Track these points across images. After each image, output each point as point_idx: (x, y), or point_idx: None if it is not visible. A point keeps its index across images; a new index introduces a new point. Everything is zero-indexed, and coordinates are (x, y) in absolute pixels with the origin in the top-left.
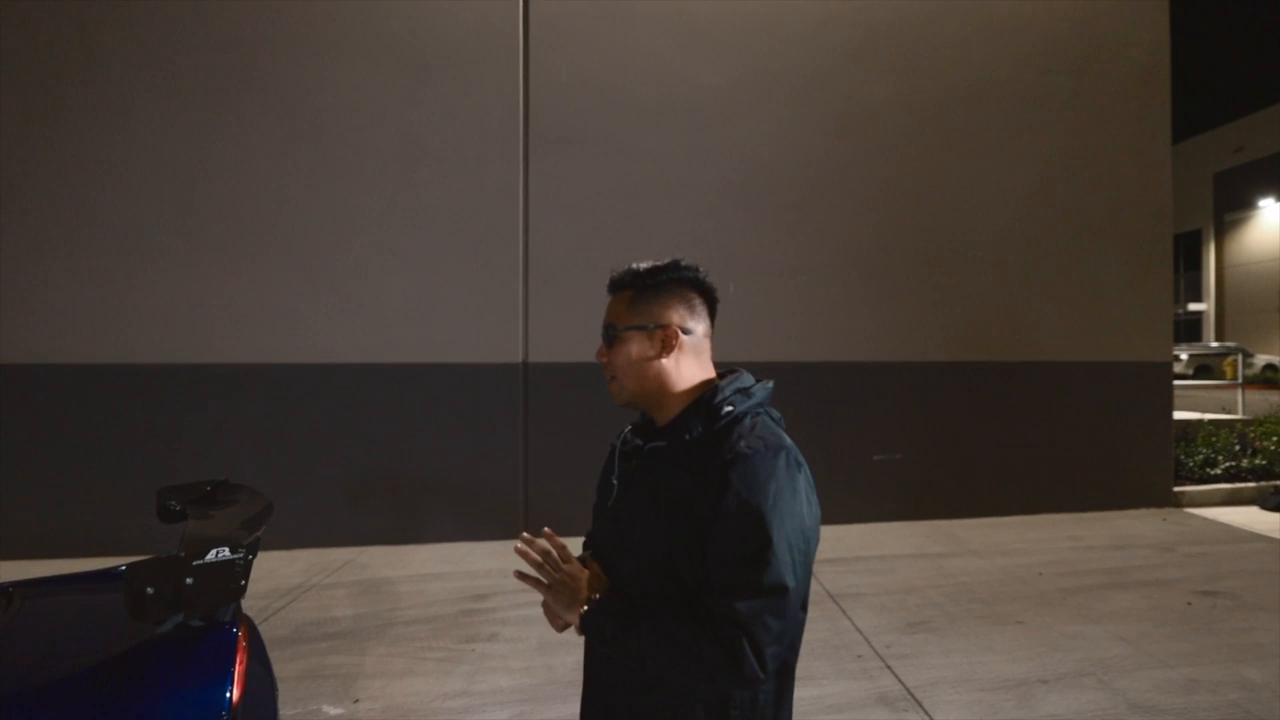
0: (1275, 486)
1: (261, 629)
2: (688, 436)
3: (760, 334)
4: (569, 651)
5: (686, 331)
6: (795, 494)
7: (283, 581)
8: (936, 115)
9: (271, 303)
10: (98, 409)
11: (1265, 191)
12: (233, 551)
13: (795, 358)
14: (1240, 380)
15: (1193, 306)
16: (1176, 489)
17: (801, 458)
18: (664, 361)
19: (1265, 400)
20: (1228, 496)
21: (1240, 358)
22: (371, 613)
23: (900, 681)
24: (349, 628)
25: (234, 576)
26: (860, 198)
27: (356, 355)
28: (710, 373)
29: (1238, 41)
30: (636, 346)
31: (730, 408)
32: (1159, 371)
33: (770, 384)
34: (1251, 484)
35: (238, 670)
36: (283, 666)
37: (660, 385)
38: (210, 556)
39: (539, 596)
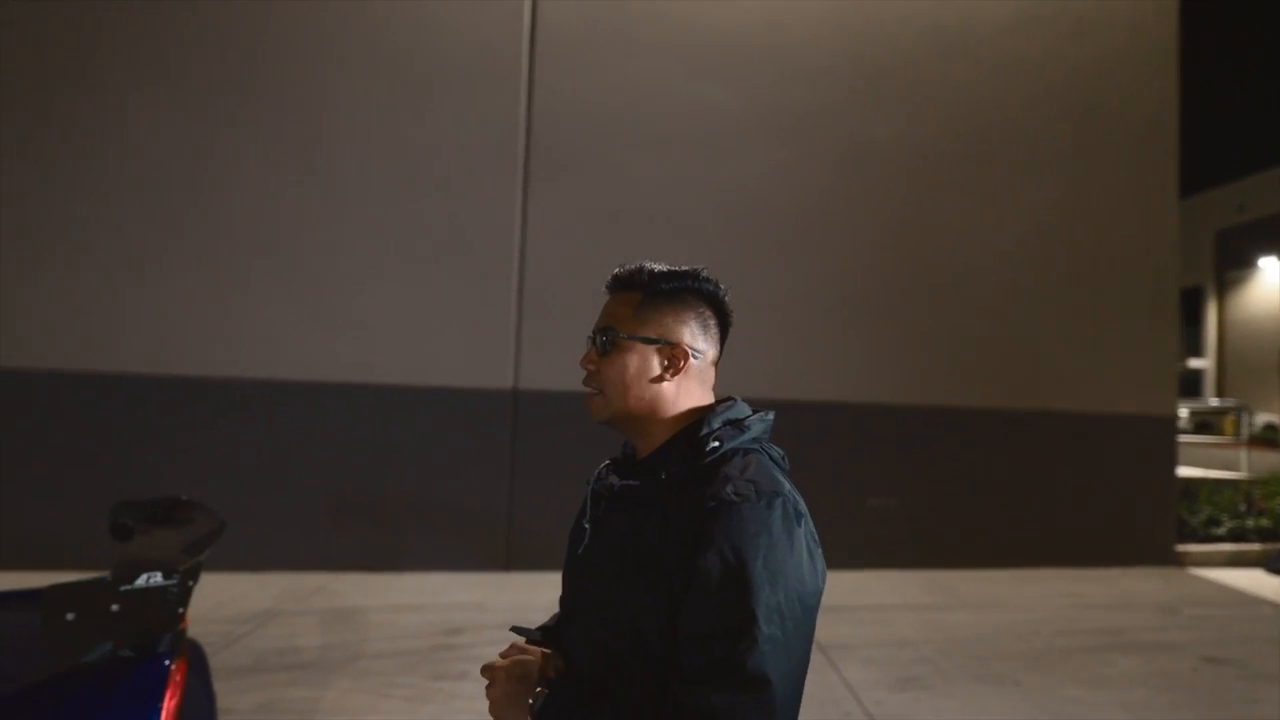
0: None
1: (222, 656)
2: (664, 475)
3: (753, 370)
4: None
5: (695, 354)
6: (792, 550)
7: (250, 606)
8: (940, 156)
9: (259, 317)
10: (72, 416)
11: (1266, 250)
12: (165, 577)
13: (789, 396)
14: (1244, 438)
15: (1193, 363)
16: (1179, 548)
17: (803, 506)
18: (664, 384)
19: (1266, 460)
20: (1231, 558)
21: (1244, 415)
22: (339, 643)
23: None
24: (314, 659)
25: (166, 604)
26: (860, 236)
27: (343, 374)
28: (709, 399)
29: (1241, 103)
30: (636, 360)
31: (717, 443)
32: (1163, 426)
33: (770, 415)
34: (1256, 546)
35: (166, 707)
36: (237, 698)
37: (652, 410)
38: (140, 581)
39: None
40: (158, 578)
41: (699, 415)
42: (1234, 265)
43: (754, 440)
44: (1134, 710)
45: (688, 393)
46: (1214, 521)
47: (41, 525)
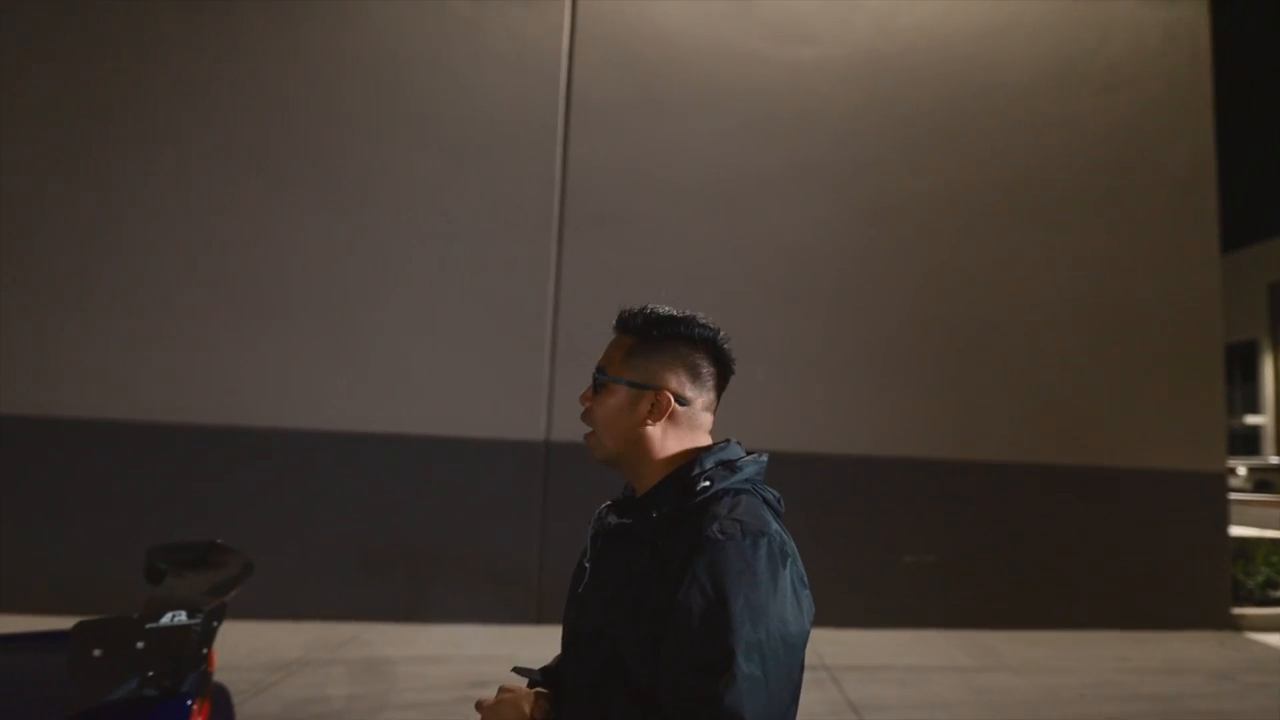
0: None
1: (251, 705)
2: (655, 513)
3: (788, 424)
4: None
5: (682, 401)
6: (776, 589)
7: (282, 654)
8: (975, 212)
9: (298, 369)
10: (114, 464)
11: None
12: (190, 616)
13: (824, 449)
14: None
15: (1250, 419)
16: (1235, 611)
17: (792, 547)
18: (649, 429)
19: None
20: None
21: None
22: (366, 694)
23: None
24: (340, 709)
25: (190, 643)
26: (895, 290)
27: (378, 425)
28: (704, 442)
29: None
30: (622, 403)
31: (707, 483)
32: (1212, 482)
33: (764, 458)
34: None
35: None
36: None
37: (639, 452)
38: (165, 620)
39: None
40: (182, 616)
41: (693, 455)
42: None
43: (746, 481)
44: None
45: (676, 437)
46: (1272, 584)
47: (72, 571)
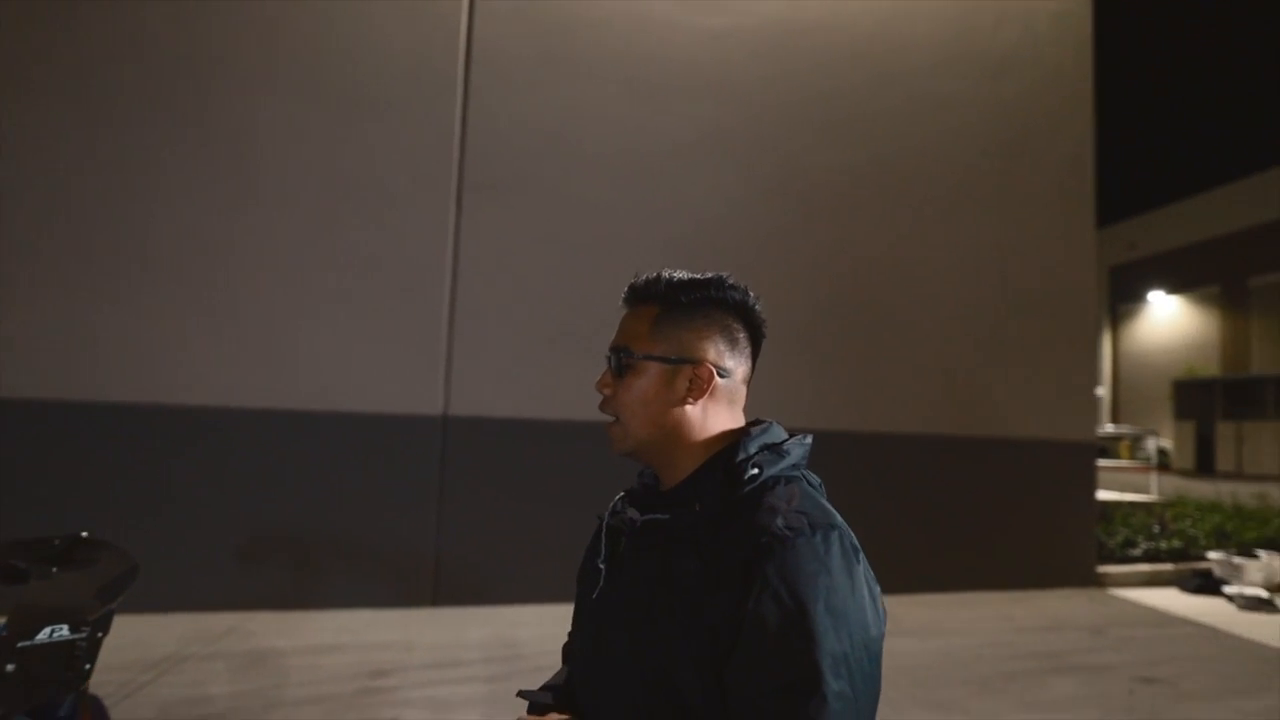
0: (1194, 570)
1: (121, 709)
2: (698, 507)
3: None
4: None
5: (723, 373)
6: (854, 591)
7: (153, 651)
8: (877, 186)
9: (168, 338)
10: None
11: (1153, 286)
12: (73, 630)
13: None
14: (1155, 463)
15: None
16: (1099, 569)
17: (856, 540)
18: (688, 408)
19: (1168, 483)
20: (1148, 578)
21: (1149, 441)
22: (255, 690)
23: None
24: (227, 708)
25: (73, 661)
26: (801, 264)
27: (258, 399)
28: (740, 423)
29: (1135, 147)
30: (655, 383)
31: (756, 470)
32: (1084, 451)
33: (808, 439)
34: (1170, 566)
35: None
36: None
37: (677, 437)
38: (42, 636)
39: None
40: (63, 631)
41: (732, 439)
42: (1126, 299)
43: (793, 466)
44: None
45: (716, 416)
46: (1130, 543)
47: None
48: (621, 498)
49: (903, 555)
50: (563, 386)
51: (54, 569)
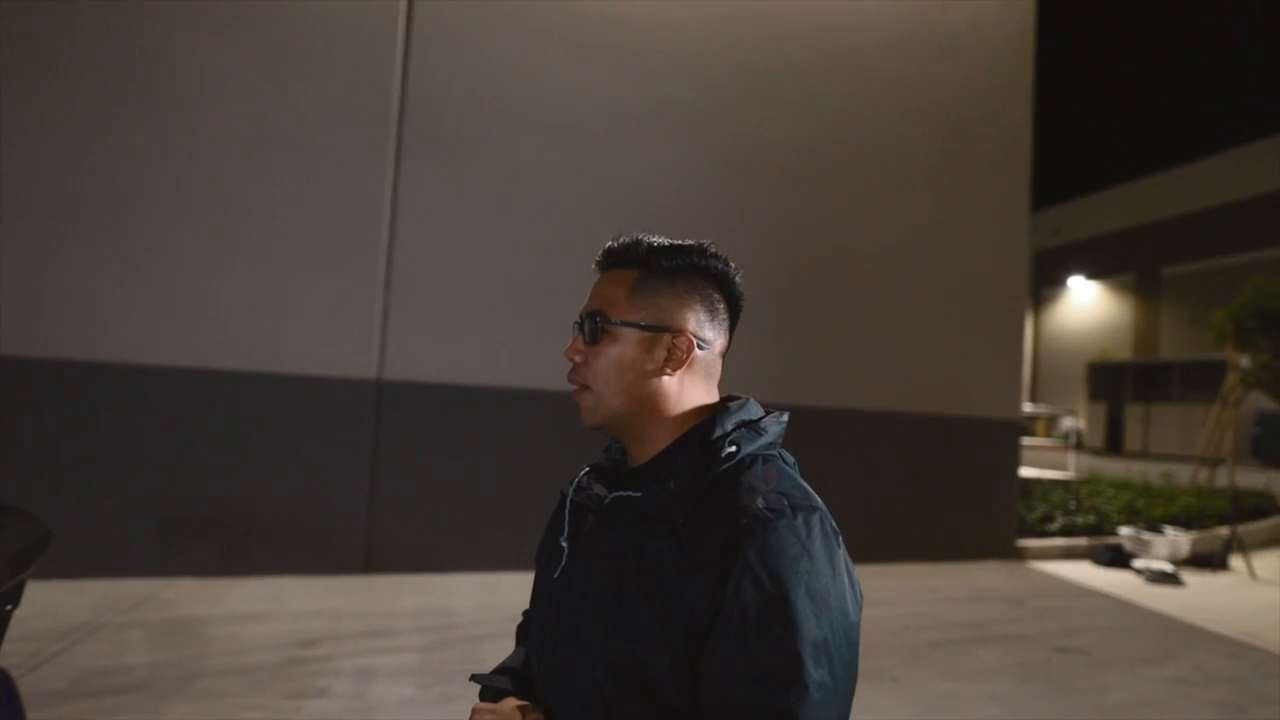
0: (1106, 544)
1: (31, 679)
2: (674, 484)
3: None
4: (416, 710)
5: (702, 344)
6: (835, 575)
7: (64, 619)
8: (825, 164)
9: (77, 291)
10: None
11: (1075, 271)
12: None
13: None
14: (1074, 441)
15: None
16: (1019, 543)
17: (835, 523)
18: (664, 380)
19: (1068, 460)
20: (1064, 551)
21: (1068, 421)
22: (174, 660)
23: None
24: (144, 679)
25: None
26: (743, 238)
27: (176, 357)
28: (715, 397)
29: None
30: (631, 351)
31: (733, 448)
32: (1010, 429)
33: (785, 416)
34: (1084, 540)
35: None
36: None
37: (651, 409)
38: None
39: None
40: None
41: (707, 415)
42: (1048, 283)
43: (770, 445)
44: (1005, 702)
45: (692, 389)
46: (1048, 518)
47: None
48: (587, 473)
49: (839, 525)
50: (502, 353)
51: None
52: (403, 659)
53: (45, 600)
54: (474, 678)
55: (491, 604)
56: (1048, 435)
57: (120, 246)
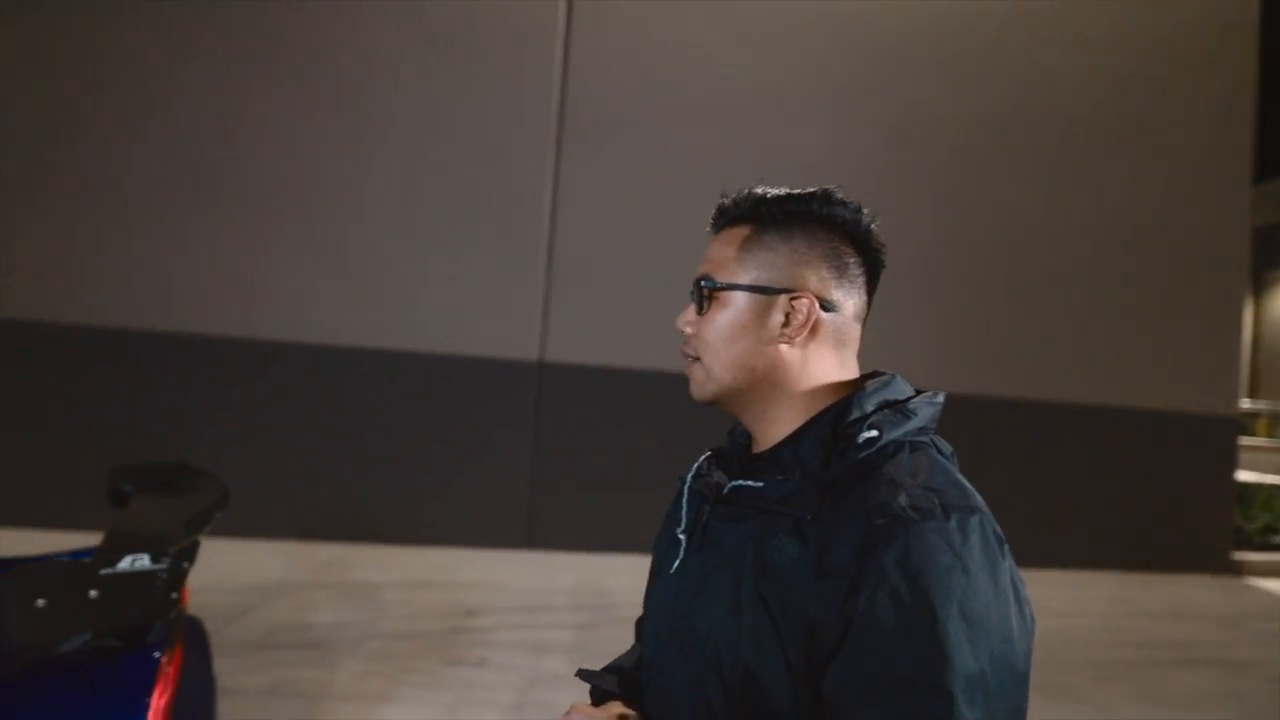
0: None
1: (230, 631)
2: (801, 474)
3: None
4: (568, 689)
5: (828, 306)
6: (999, 593)
7: (261, 576)
8: (1004, 133)
9: (277, 277)
10: (81, 373)
11: None
12: (154, 560)
13: None
14: None
15: None
16: (1235, 555)
17: (1000, 529)
18: (783, 348)
19: None
20: None
21: None
22: (352, 621)
23: None
24: (325, 636)
25: (155, 591)
26: (917, 216)
27: (360, 339)
28: (852, 373)
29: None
30: (742, 317)
31: (874, 432)
32: (1224, 427)
33: (939, 398)
34: None
35: (155, 704)
36: (244, 678)
37: (770, 384)
38: (124, 565)
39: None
40: (144, 560)
41: (842, 393)
42: (1272, 264)
43: (921, 430)
44: None
45: (820, 361)
46: (1270, 529)
47: (51, 483)
48: (708, 458)
49: (1013, 526)
50: (664, 336)
51: (154, 495)
52: (559, 635)
53: (248, 558)
54: (581, 674)
55: None
56: (1270, 435)
57: (319, 239)
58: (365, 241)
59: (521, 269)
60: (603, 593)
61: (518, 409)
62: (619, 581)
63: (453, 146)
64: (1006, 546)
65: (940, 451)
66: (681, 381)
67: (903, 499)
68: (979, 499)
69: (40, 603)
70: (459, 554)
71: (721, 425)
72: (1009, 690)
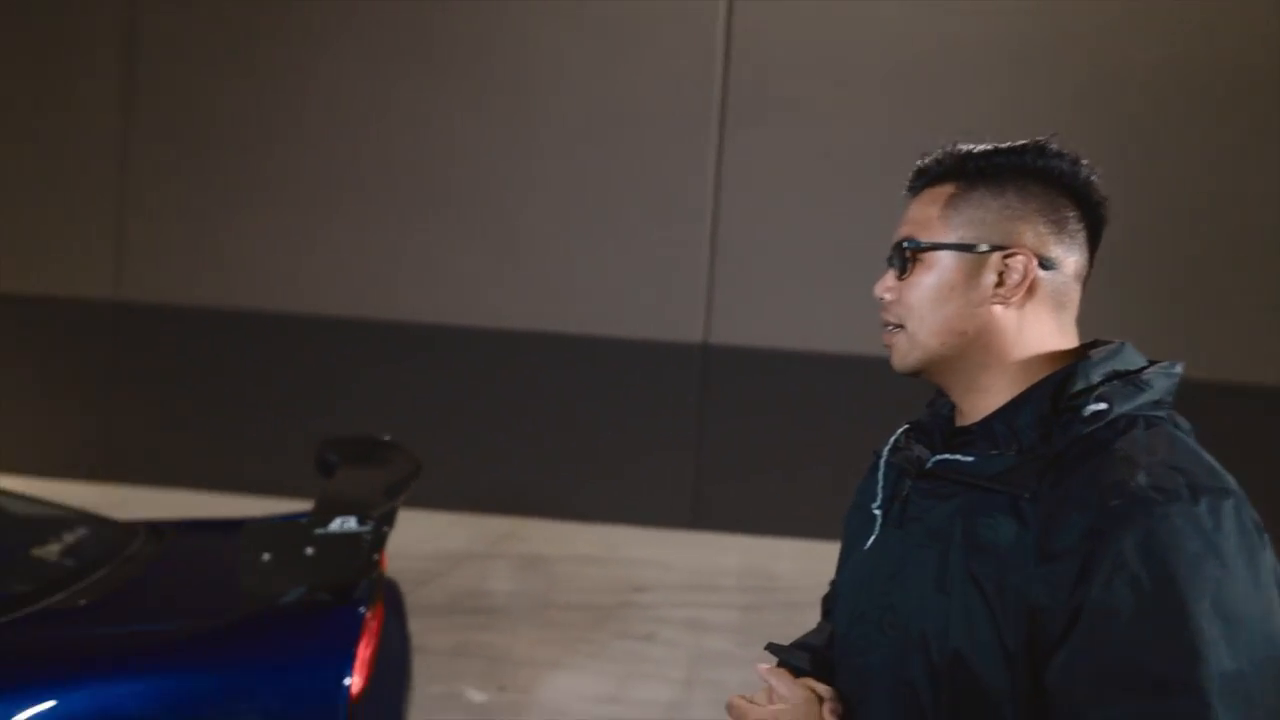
0: None
1: (419, 594)
2: (1017, 449)
3: None
4: (733, 667)
5: (1046, 264)
6: (1257, 585)
7: (446, 546)
8: (1209, 90)
9: (447, 262)
10: (268, 355)
11: None
12: (360, 523)
13: None
14: None
15: None
16: None
17: (1256, 514)
18: (997, 310)
19: None
20: None
21: None
22: (528, 591)
23: None
24: (504, 604)
25: (360, 551)
26: (1113, 182)
27: (528, 322)
28: (1072, 341)
29: None
30: (952, 277)
31: (1103, 405)
32: None
33: (1178, 368)
34: None
35: (360, 655)
36: (433, 637)
37: (983, 350)
38: (335, 526)
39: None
40: (352, 523)
41: (1064, 361)
42: None
43: (1156, 404)
44: None
45: (1037, 325)
46: None
47: (240, 453)
48: (905, 431)
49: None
50: (830, 317)
51: (355, 466)
52: (724, 615)
53: (433, 528)
54: (770, 647)
55: (814, 571)
56: None
57: (486, 219)
58: (534, 229)
59: (685, 252)
60: (768, 575)
61: (682, 391)
62: (784, 565)
63: (617, 132)
64: (1265, 536)
65: (1179, 428)
66: (856, 364)
67: (1141, 478)
68: (1232, 480)
69: (266, 557)
70: (625, 531)
71: (896, 410)
72: (1273, 696)
